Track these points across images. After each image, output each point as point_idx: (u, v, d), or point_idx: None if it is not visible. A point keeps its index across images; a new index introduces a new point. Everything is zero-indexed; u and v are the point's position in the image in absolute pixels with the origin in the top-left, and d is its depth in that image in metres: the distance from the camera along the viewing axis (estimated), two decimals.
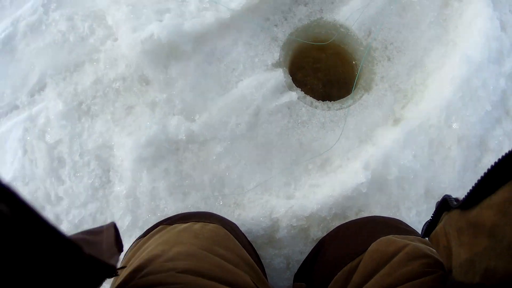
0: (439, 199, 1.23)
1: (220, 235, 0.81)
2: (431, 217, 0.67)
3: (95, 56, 1.22)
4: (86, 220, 1.17)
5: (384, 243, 0.77)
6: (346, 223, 0.95)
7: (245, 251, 0.83)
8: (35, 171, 1.20)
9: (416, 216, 1.20)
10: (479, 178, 0.45)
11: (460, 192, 1.25)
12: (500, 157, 0.41)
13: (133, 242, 0.86)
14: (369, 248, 0.78)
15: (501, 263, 0.40)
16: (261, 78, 1.18)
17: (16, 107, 1.25)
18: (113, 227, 0.60)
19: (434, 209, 0.67)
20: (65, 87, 1.21)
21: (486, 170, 0.44)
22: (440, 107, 1.20)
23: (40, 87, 1.24)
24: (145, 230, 0.87)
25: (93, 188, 1.17)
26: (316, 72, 1.28)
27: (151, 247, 0.77)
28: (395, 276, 0.68)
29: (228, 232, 0.84)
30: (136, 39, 1.16)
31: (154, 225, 0.87)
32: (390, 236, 0.79)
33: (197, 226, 0.82)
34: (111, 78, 1.20)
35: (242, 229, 1.07)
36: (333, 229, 0.97)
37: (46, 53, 1.24)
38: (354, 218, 1.07)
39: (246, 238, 0.97)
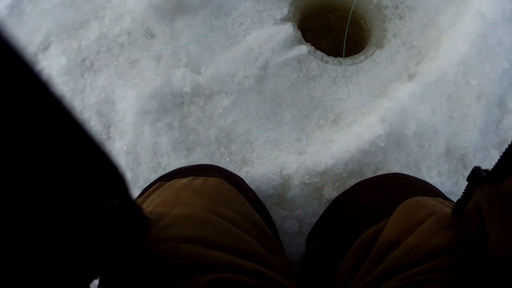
0: (460, 159, 0.99)
1: (223, 192, 0.59)
2: (462, 193, 0.49)
3: (101, 13, 1.02)
4: None
5: (412, 206, 0.55)
6: (366, 179, 0.71)
7: (254, 210, 0.60)
8: None
9: (438, 176, 0.95)
10: (506, 148, 0.36)
11: (482, 153, 1.01)
12: None
13: None
14: (395, 211, 0.56)
15: None
16: (269, 31, 0.97)
17: None
18: None
19: (466, 183, 0.47)
20: (69, 44, 1.01)
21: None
22: (457, 63, 0.98)
23: (45, 47, 1.04)
24: None
25: None
26: (325, 33, 1.08)
27: (149, 209, 0.56)
28: (426, 249, 0.50)
29: (233, 188, 0.61)
30: None
31: (151, 183, 0.65)
32: (418, 198, 0.57)
33: (197, 181, 0.60)
34: (116, 33, 0.99)
35: (251, 187, 0.84)
36: (352, 186, 0.72)
37: (52, 13, 1.04)
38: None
39: (254, 193, 0.74)
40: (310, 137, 0.92)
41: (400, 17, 1.04)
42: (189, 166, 0.68)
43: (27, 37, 1.06)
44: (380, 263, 0.53)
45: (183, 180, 0.60)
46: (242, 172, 0.90)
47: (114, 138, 0.95)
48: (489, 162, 1.01)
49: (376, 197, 0.63)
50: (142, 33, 0.99)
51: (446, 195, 0.64)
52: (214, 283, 0.43)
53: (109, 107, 0.96)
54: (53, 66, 1.00)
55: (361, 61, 0.98)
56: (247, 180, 0.89)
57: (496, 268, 0.40)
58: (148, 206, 0.57)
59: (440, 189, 0.66)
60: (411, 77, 0.98)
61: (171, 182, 0.61)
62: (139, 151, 0.92)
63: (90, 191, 0.28)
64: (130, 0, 1.00)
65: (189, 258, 0.45)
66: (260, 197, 0.80)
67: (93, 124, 0.96)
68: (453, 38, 1.01)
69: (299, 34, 0.99)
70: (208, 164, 0.70)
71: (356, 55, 1.00)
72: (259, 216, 0.60)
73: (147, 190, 0.63)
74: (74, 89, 0.98)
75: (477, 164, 1.02)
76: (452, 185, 0.98)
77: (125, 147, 0.92)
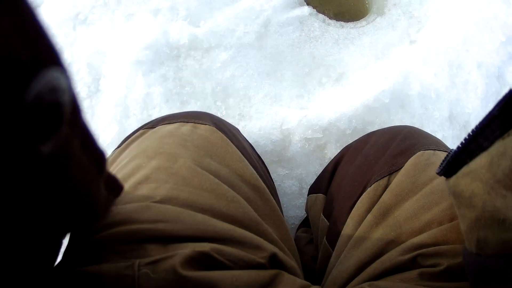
0: (464, 126, 0.94)
1: (213, 141, 0.49)
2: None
3: None
4: None
5: (424, 159, 0.49)
6: (378, 130, 0.63)
7: (248, 163, 0.50)
8: None
9: (443, 140, 0.90)
10: (458, 145, 0.33)
11: None
12: (477, 124, 0.30)
13: (109, 155, 0.54)
14: (407, 163, 0.49)
15: (490, 233, 0.31)
16: None
17: None
18: None
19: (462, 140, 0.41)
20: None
21: (463, 139, 0.32)
22: (456, 31, 0.96)
23: (37, 4, 0.98)
24: None
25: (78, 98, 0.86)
26: (326, 4, 1.06)
27: (126, 160, 0.47)
28: (435, 211, 0.43)
29: (225, 137, 0.51)
30: None
31: (134, 131, 0.55)
32: (430, 151, 0.51)
33: (185, 128, 0.50)
34: None
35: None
36: (362, 136, 0.65)
37: None
38: None
39: (251, 146, 0.65)
40: (312, 94, 0.87)
41: None
42: (177, 113, 0.58)
43: None
44: (384, 218, 0.46)
45: (169, 127, 0.50)
46: (239, 126, 0.83)
47: (104, 91, 0.87)
48: None
49: (388, 147, 0.55)
50: None
51: None
52: (191, 259, 0.34)
53: (101, 58, 0.89)
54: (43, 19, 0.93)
55: (363, 26, 0.95)
56: (244, 135, 0.81)
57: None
58: (125, 158, 0.48)
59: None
60: (412, 42, 0.96)
61: (155, 129, 0.51)
62: (129, 103, 0.84)
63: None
64: None
65: (164, 224, 0.36)
66: (258, 153, 0.72)
67: (82, 76, 0.88)
68: (451, 9, 0.99)
69: None
70: (200, 111, 0.59)
71: (358, 21, 0.97)
72: (253, 170, 0.50)
73: (127, 139, 0.53)
74: (63, 43, 0.91)
75: None
76: None
77: (114, 100, 0.84)
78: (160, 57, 0.86)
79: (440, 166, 0.36)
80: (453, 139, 0.92)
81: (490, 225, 0.30)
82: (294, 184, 0.82)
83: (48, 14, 0.94)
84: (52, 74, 0.16)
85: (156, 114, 0.84)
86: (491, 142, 0.30)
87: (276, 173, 0.82)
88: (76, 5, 0.95)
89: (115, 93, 0.85)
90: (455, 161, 0.34)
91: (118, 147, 0.53)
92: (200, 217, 0.39)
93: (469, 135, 0.31)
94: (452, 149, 0.56)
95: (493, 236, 0.30)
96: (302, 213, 0.82)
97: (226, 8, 0.92)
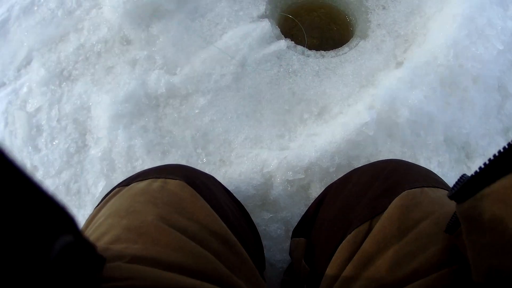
0: (462, 147, 0.85)
1: (182, 197, 0.48)
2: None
3: (80, 25, 0.98)
4: (60, 190, 0.85)
5: (409, 200, 0.44)
6: (359, 167, 0.58)
7: (218, 217, 0.48)
8: (14, 142, 0.91)
9: (439, 167, 0.82)
10: (478, 169, 0.30)
11: (485, 141, 0.87)
12: (501, 149, 0.28)
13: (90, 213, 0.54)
14: (390, 205, 0.44)
15: (506, 261, 0.26)
16: (246, 28, 0.89)
17: (3, 84, 1.00)
18: None
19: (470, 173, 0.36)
20: (49, 57, 0.96)
21: (483, 164, 0.29)
22: (446, 45, 0.87)
23: (27, 62, 0.99)
24: None
25: (68, 154, 0.86)
26: (310, 31, 1.00)
27: (101, 219, 0.47)
28: (422, 259, 0.39)
29: (195, 191, 0.49)
30: (119, 0, 0.92)
31: (111, 189, 0.55)
32: (416, 190, 0.45)
33: (155, 185, 0.50)
34: (93, 42, 0.94)
35: (230, 188, 0.72)
36: (343, 175, 0.60)
37: (35, 31, 1.00)
38: None
39: (229, 194, 0.62)
40: (293, 132, 0.82)
41: (383, 7, 0.95)
42: (151, 168, 0.58)
43: (12, 55, 1.02)
44: (365, 268, 0.41)
45: (141, 184, 0.50)
46: (220, 173, 0.79)
47: (90, 145, 0.87)
48: (494, 150, 0.87)
49: (370, 187, 0.50)
50: (118, 40, 0.93)
51: (449, 185, 0.51)
52: None
53: (85, 114, 0.88)
54: (33, 79, 0.95)
55: (345, 53, 0.89)
56: (225, 181, 0.78)
57: None
58: (101, 217, 0.48)
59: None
60: (399, 64, 0.88)
61: (129, 187, 0.51)
62: (114, 157, 0.83)
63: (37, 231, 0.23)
64: (106, 10, 0.95)
65: (133, 281, 0.36)
66: (240, 199, 0.68)
67: (69, 132, 0.88)
68: (440, 22, 0.91)
69: (277, 30, 0.92)
70: (173, 164, 0.59)
71: (339, 48, 0.91)
72: (223, 223, 0.48)
73: (106, 197, 0.53)
74: (52, 99, 0.92)
75: (481, 153, 0.88)
76: (456, 176, 0.83)
77: (99, 154, 0.84)
78: (139, 109, 0.85)
79: (452, 189, 0.33)
80: (451, 163, 0.84)
81: (508, 250, 0.27)
82: (279, 227, 0.77)
83: (36, 73, 0.95)
84: (66, 239, 0.23)
85: (139, 166, 0.82)
86: None
87: (261, 217, 0.78)
88: (61, 62, 0.95)
89: (101, 148, 0.84)
90: (471, 184, 0.31)
91: (98, 205, 0.54)
92: (168, 274, 0.38)
93: (490, 159, 0.29)
94: (442, 183, 0.50)
95: (510, 263, 0.27)
96: (289, 256, 0.78)
97: (201, 51, 0.88)
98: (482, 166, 0.30)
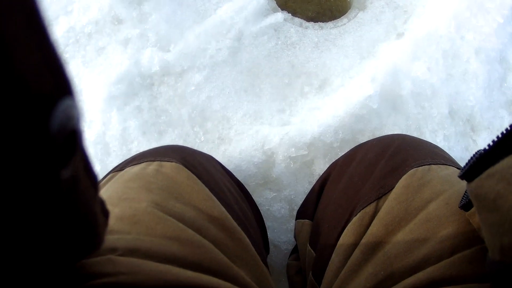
0: (467, 120, 0.78)
1: (178, 181, 0.43)
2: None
3: (69, 8, 0.89)
4: None
5: (417, 179, 0.40)
6: (366, 142, 0.53)
7: (217, 201, 0.43)
8: None
9: (445, 141, 0.75)
10: (482, 149, 0.29)
11: (490, 113, 0.81)
12: (508, 127, 0.27)
13: None
14: (397, 184, 0.39)
15: None
16: (241, 1, 0.82)
17: None
18: None
19: (476, 148, 0.37)
20: None
21: (491, 141, 0.28)
22: (447, 17, 0.80)
23: None
24: None
25: None
26: (304, 5, 0.92)
27: None
28: (433, 244, 0.35)
29: (192, 174, 0.44)
30: None
31: (106, 174, 0.50)
32: (425, 167, 0.41)
33: (150, 169, 0.44)
34: (83, 24, 0.86)
35: (230, 167, 0.66)
36: (350, 150, 0.55)
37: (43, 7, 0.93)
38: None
39: (228, 175, 0.55)
40: (294, 107, 0.75)
41: None
42: (147, 150, 0.52)
43: None
44: (373, 253, 0.38)
45: (135, 168, 0.45)
46: (219, 151, 0.73)
47: (83, 129, 0.79)
48: (498, 123, 0.81)
49: (376, 165, 0.45)
50: (110, 20, 0.85)
51: (457, 162, 0.46)
52: None
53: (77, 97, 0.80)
54: None
55: (344, 24, 0.81)
56: (224, 160, 0.71)
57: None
58: None
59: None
60: (399, 35, 0.81)
61: (122, 172, 0.46)
62: (108, 140, 0.76)
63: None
64: None
65: (125, 276, 0.32)
66: (240, 178, 0.62)
67: None
68: None
69: (273, 2, 0.84)
70: (169, 146, 0.53)
71: (338, 19, 0.83)
72: (223, 208, 0.43)
73: (100, 183, 0.48)
74: None
75: (486, 126, 0.81)
76: (462, 150, 0.77)
77: (93, 138, 0.76)
78: (133, 89, 0.77)
79: (462, 169, 0.31)
80: (456, 136, 0.77)
81: None
82: (283, 206, 0.71)
83: None
84: (68, 103, 0.16)
85: (135, 148, 0.75)
86: None
87: (263, 196, 0.71)
88: None
89: (94, 131, 0.77)
90: (479, 163, 0.29)
91: None
92: (163, 267, 0.34)
93: (498, 137, 0.28)
94: (452, 160, 0.45)
95: None
96: (293, 236, 0.71)
97: (195, 26, 0.81)
98: (490, 145, 0.29)
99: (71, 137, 0.17)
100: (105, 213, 0.30)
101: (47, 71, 0.15)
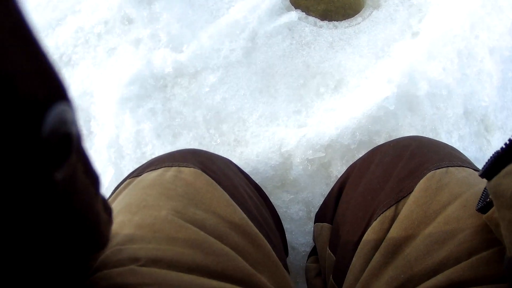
0: (481, 120, 0.76)
1: (198, 187, 0.41)
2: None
3: (77, 7, 0.87)
4: None
5: (435, 181, 0.40)
6: (384, 144, 0.52)
7: (237, 207, 0.41)
8: None
9: (460, 141, 0.74)
10: (502, 145, 0.29)
11: (504, 114, 0.80)
12: None
13: None
14: (415, 188, 0.39)
15: None
16: (254, 0, 0.79)
17: None
18: None
19: (490, 148, 0.44)
20: (47, 42, 0.85)
21: (504, 144, 0.28)
22: (462, 16, 0.78)
23: None
24: None
25: None
26: (316, 3, 0.90)
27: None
28: (451, 246, 0.34)
29: (211, 180, 0.43)
30: None
31: (123, 180, 0.48)
32: (442, 170, 0.40)
33: (169, 175, 0.43)
34: (92, 24, 0.83)
35: (247, 170, 0.64)
36: (368, 152, 0.53)
37: (31, 17, 0.89)
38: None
39: (246, 178, 0.54)
40: (310, 108, 0.73)
41: None
42: (164, 154, 0.51)
43: None
44: (393, 257, 0.37)
45: (153, 174, 0.43)
46: (236, 154, 0.71)
47: (95, 132, 0.77)
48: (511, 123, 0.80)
49: (394, 168, 0.44)
50: (119, 20, 0.83)
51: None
52: None
53: (88, 99, 0.78)
54: None
55: (359, 23, 0.79)
56: (241, 163, 0.69)
57: None
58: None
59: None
60: (415, 34, 0.79)
61: (140, 177, 0.44)
62: (122, 143, 0.74)
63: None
64: None
65: (152, 287, 0.31)
66: (258, 181, 0.60)
67: None
68: None
69: (286, 1, 0.81)
70: (186, 149, 0.51)
71: (352, 18, 0.81)
72: (243, 213, 0.42)
73: (116, 190, 0.46)
74: None
75: (500, 126, 0.80)
76: (476, 150, 0.76)
77: (106, 141, 0.74)
78: (146, 90, 0.75)
79: (482, 168, 0.31)
80: (471, 137, 0.76)
81: None
82: (301, 209, 0.69)
83: None
84: (61, 108, 0.16)
85: (149, 152, 0.73)
86: None
87: (281, 199, 0.70)
88: (59, 47, 0.84)
89: (107, 134, 0.75)
90: (497, 162, 0.30)
91: (108, 198, 0.46)
92: (187, 277, 0.33)
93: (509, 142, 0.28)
94: (467, 161, 0.45)
95: None
96: (311, 239, 0.70)
97: (208, 26, 0.78)
98: (507, 143, 0.29)
99: (65, 140, 0.17)
100: (108, 211, 0.29)
101: (37, 78, 0.15)
